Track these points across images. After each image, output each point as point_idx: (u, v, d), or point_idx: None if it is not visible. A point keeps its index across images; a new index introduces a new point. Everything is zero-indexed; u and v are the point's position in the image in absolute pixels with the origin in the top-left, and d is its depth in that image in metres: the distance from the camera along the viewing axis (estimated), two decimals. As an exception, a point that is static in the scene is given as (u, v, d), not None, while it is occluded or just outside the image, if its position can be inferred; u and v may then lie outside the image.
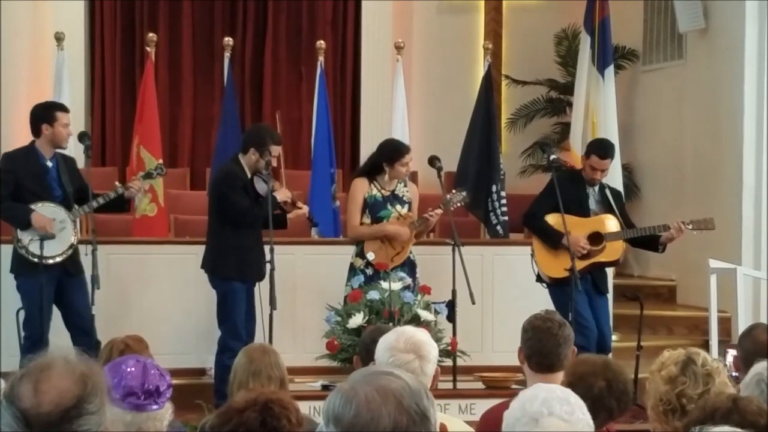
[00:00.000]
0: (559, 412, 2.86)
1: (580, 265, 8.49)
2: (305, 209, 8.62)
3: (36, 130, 8.25)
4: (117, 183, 8.78)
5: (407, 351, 4.08)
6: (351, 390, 2.36)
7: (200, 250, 9.03)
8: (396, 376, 2.39)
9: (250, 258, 8.39)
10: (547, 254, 8.72)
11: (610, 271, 9.43)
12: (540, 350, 4.47)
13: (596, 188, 8.77)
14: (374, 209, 8.71)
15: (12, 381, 2.40)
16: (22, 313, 8.20)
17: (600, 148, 8.75)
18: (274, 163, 8.54)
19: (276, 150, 8.45)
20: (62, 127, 8.21)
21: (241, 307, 8.42)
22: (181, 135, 12.89)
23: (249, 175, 8.44)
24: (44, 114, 8.26)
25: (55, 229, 8.08)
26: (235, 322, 8.48)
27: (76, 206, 8.19)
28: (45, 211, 8.11)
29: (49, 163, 8.23)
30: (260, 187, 8.43)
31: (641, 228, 8.78)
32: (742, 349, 4.86)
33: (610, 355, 8.26)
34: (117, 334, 5.05)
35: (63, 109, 8.44)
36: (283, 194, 8.50)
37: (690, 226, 8.61)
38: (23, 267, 8.12)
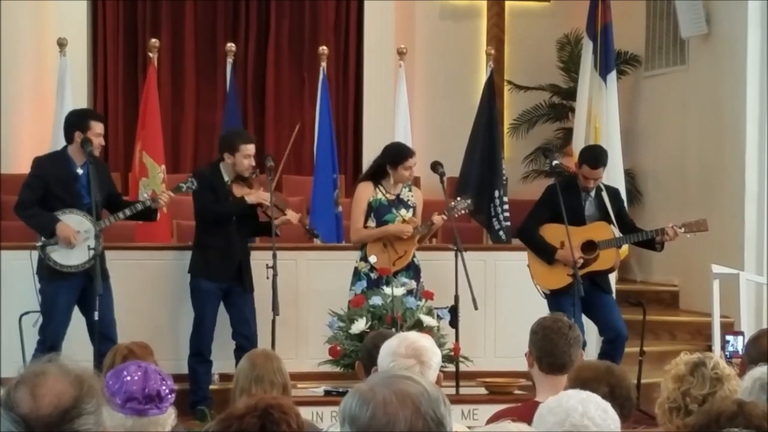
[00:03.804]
0: (593, 414, 2.91)
1: None
2: (291, 215, 8.61)
3: (69, 136, 8.27)
4: (145, 195, 8.86)
5: (408, 356, 4.06)
6: (369, 391, 2.38)
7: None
8: (416, 382, 2.40)
9: (216, 257, 8.54)
10: (542, 267, 8.72)
11: (611, 276, 9.42)
12: (552, 351, 4.46)
13: (593, 192, 8.75)
14: (379, 213, 8.71)
15: (8, 389, 2.41)
16: (26, 318, 8.20)
17: (591, 159, 8.67)
18: (253, 163, 8.65)
19: (246, 149, 8.58)
20: (94, 137, 8.22)
21: (209, 307, 8.60)
22: (183, 141, 12.88)
23: (228, 180, 8.59)
24: (78, 121, 8.28)
25: (79, 240, 8.07)
26: (198, 319, 8.65)
27: (104, 216, 8.19)
28: (71, 222, 8.09)
29: (80, 170, 8.22)
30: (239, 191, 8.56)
31: (634, 234, 8.75)
32: (748, 355, 4.83)
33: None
34: (120, 341, 5.05)
35: (97, 118, 8.51)
36: (255, 197, 8.54)
37: (682, 230, 8.59)
38: (46, 272, 8.11)
